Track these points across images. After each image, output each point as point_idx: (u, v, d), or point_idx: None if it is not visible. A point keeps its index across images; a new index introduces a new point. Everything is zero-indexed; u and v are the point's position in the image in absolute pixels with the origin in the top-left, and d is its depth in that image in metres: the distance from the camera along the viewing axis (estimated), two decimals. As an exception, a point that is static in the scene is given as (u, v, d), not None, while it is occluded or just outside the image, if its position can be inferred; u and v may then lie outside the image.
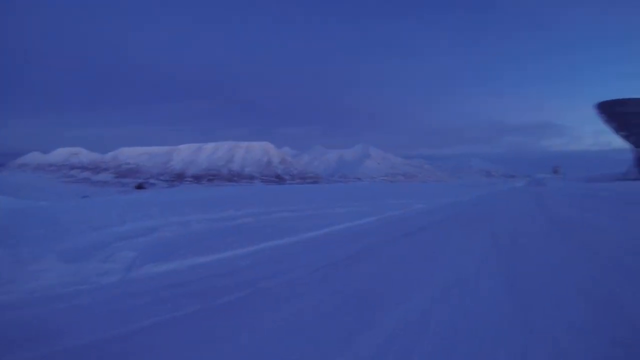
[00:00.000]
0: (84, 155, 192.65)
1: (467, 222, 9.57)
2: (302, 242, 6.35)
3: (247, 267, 4.65)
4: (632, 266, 4.55)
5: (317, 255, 5.35)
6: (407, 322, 2.85)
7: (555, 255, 5.35)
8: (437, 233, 7.61)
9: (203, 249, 5.34)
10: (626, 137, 57.29)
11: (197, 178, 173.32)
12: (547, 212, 12.21)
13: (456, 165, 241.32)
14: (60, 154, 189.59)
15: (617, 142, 69.56)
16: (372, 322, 2.86)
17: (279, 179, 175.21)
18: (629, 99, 53.04)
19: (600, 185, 36.92)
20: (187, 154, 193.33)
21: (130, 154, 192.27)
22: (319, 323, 2.86)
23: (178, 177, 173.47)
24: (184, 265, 4.62)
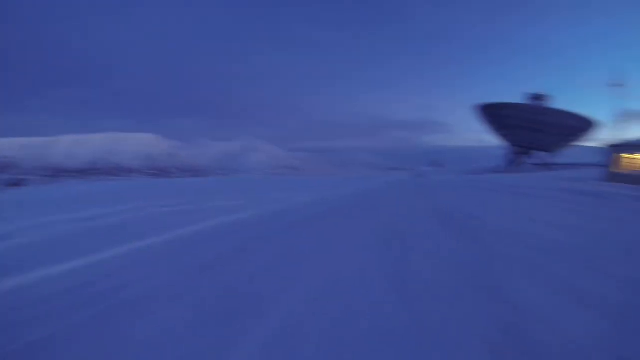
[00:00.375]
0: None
1: (350, 213, 9.70)
2: (171, 242, 5.88)
3: (103, 275, 4.09)
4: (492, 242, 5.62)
5: (184, 257, 4.94)
6: (283, 328, 2.72)
7: (437, 241, 5.84)
8: (319, 226, 7.45)
9: (57, 256, 4.73)
10: (502, 136, 65.80)
11: (79, 172, 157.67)
12: (428, 200, 13.32)
13: (342, 158, 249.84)
14: None
15: (492, 139, 79.76)
16: (244, 331, 2.58)
17: (164, 173, 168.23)
18: (507, 103, 61.11)
19: (476, 177, 42.85)
20: (67, 146, 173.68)
21: (3, 146, 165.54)
22: (186, 336, 2.61)
23: (57, 172, 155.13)
24: (29, 280, 3.91)
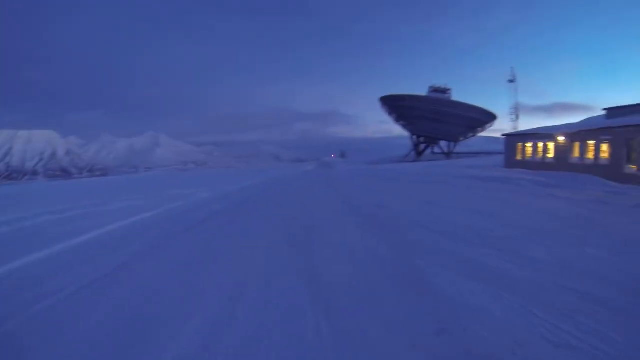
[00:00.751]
0: None
1: (255, 208, 9.75)
2: (56, 256, 4.98)
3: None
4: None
5: (71, 274, 4.13)
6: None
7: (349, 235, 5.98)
8: (219, 224, 7.27)
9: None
10: (404, 126, 67.98)
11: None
12: (333, 189, 13.51)
13: (247, 151, 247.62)
14: None
15: (396, 130, 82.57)
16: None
17: (65, 173, 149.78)
18: (408, 95, 62.85)
19: (381, 166, 45.64)
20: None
21: None
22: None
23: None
24: None
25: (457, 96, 63.10)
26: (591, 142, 18.90)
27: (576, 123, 24.45)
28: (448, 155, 64.80)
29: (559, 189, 14.17)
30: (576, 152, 20.00)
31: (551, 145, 22.16)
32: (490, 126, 64.56)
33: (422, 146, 68.23)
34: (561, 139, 20.91)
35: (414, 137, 67.52)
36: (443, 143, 66.81)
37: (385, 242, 5.38)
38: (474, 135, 67.01)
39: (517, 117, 48.82)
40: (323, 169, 41.83)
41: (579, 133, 19.65)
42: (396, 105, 65.06)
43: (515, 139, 26.77)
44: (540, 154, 23.32)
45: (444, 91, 62.17)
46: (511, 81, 49.94)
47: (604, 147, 18.06)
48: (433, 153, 68.02)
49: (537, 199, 11.32)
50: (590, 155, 18.97)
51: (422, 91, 64.01)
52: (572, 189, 13.98)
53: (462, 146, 68.18)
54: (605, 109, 23.64)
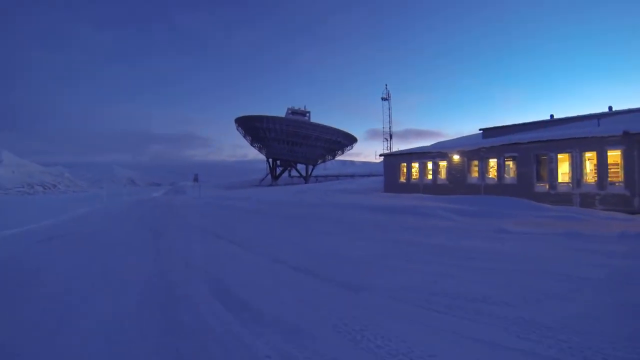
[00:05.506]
0: None
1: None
2: None
3: None
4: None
5: None
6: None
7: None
8: None
9: None
10: (260, 149, 64.30)
11: None
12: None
13: (99, 173, 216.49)
14: None
15: (253, 153, 78.44)
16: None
17: None
18: (263, 116, 59.45)
19: (235, 192, 41.39)
20: None
21: None
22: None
23: None
24: None
25: (320, 120, 63.13)
26: (493, 160, 18.11)
27: (457, 139, 24.57)
28: (306, 179, 63.65)
29: (495, 218, 11.65)
30: (474, 172, 19.08)
31: (444, 165, 21.10)
32: (350, 149, 66.61)
33: (278, 169, 65.55)
34: (456, 157, 19.89)
35: (270, 160, 64.35)
36: (300, 166, 65.55)
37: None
38: (333, 158, 67.95)
39: (391, 136, 50.22)
40: (172, 195, 35.51)
41: (479, 151, 18.79)
42: (252, 127, 60.90)
43: (398, 159, 25.31)
44: (430, 176, 22.15)
45: (303, 113, 61.18)
46: (385, 99, 51.43)
47: (510, 165, 17.37)
48: (290, 177, 66.04)
49: (493, 242, 7.88)
50: (493, 174, 18.15)
51: (280, 112, 61.80)
52: (508, 217, 11.73)
53: (319, 169, 68.36)
54: (481, 129, 24.41)
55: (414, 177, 23.64)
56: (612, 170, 14.91)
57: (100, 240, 8.77)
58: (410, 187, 23.11)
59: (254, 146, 65.42)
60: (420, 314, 3.60)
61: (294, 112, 60.83)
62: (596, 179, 14.98)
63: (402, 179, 24.43)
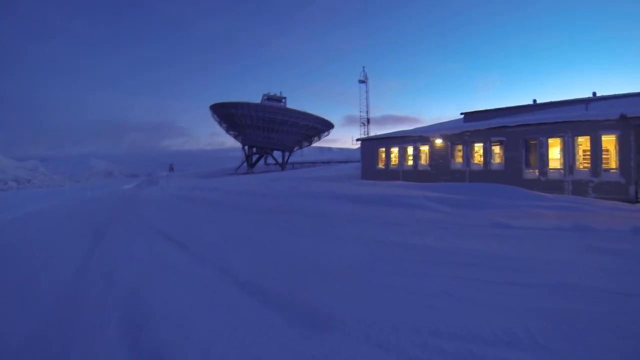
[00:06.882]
0: None
1: None
2: None
3: None
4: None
5: None
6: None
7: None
8: None
9: None
10: (236, 137, 61.87)
11: None
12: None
13: (75, 166, 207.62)
14: None
15: (230, 141, 75.88)
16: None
17: None
18: (239, 103, 56.84)
19: (209, 180, 38.27)
20: None
21: None
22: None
23: None
24: None
25: (297, 106, 61.00)
26: (478, 145, 16.81)
27: (439, 124, 23.24)
28: (282, 166, 61.69)
29: (487, 209, 10.22)
30: (458, 157, 17.76)
31: (425, 150, 19.73)
32: (327, 135, 64.78)
33: (255, 157, 63.28)
34: (439, 141, 18.51)
35: (246, 147, 61.96)
36: (277, 153, 63.46)
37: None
38: (309, 145, 66.07)
39: (368, 121, 48.49)
40: (145, 187, 33.51)
41: (463, 134, 17.43)
42: (227, 114, 58.23)
43: (376, 144, 23.71)
44: (410, 161, 20.74)
45: (279, 99, 58.84)
46: (362, 81, 49.45)
47: (497, 150, 16.09)
48: (267, 164, 63.94)
49: (494, 241, 6.71)
50: (478, 159, 16.87)
51: (256, 99, 59.27)
52: (501, 208, 10.36)
53: (295, 156, 66.47)
54: (462, 113, 23.12)
55: (393, 163, 22.16)
56: (603, 156, 13.86)
57: (23, 248, 6.94)
58: (390, 173, 21.68)
59: (229, 134, 62.91)
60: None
61: (269, 98, 58.48)
62: (589, 165, 13.88)
63: (381, 165, 22.96)
